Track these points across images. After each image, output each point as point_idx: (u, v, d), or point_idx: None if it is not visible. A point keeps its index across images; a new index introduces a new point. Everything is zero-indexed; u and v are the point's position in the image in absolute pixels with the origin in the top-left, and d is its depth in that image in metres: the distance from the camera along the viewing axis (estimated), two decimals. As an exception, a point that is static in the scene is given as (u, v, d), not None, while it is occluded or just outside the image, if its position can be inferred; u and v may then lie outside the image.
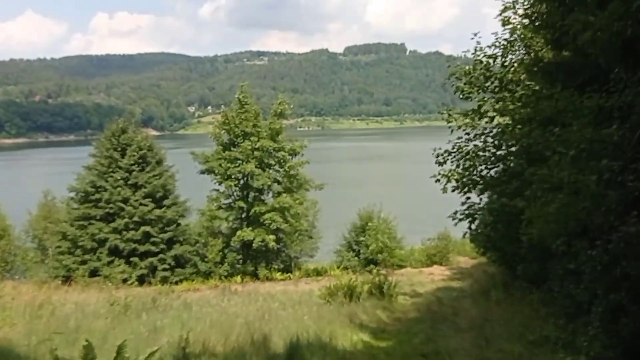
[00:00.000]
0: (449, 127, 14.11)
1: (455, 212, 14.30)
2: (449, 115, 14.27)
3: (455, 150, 14.18)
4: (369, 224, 25.52)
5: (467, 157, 13.90)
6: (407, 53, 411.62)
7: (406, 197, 53.69)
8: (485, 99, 13.70)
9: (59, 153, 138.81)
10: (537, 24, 9.77)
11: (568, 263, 8.35)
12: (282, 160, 25.38)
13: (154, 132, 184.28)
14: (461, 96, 14.19)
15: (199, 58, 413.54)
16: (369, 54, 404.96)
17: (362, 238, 25.67)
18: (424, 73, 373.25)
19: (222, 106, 26.32)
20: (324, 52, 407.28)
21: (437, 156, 14.38)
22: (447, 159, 14.25)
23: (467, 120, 13.85)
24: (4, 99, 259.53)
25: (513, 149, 13.47)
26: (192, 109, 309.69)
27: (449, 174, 13.60)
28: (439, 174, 13.82)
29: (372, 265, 25.01)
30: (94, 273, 23.26)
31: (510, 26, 13.53)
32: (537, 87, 11.73)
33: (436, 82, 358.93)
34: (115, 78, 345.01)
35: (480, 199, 14.35)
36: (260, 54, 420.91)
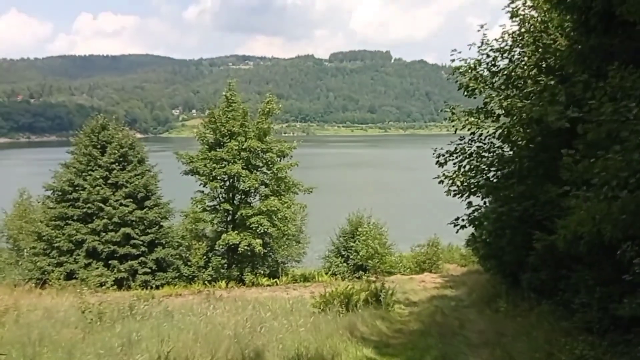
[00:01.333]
0: (453, 127, 13.22)
1: (457, 219, 13.43)
2: (452, 113, 13.39)
3: (458, 151, 13.33)
4: (360, 229, 24.65)
5: (471, 158, 13.06)
6: (392, 61, 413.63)
7: (393, 204, 52.85)
8: (492, 96, 12.85)
9: (39, 153, 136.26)
10: (561, 7, 8.89)
11: (599, 272, 7.47)
12: (270, 162, 24.37)
13: (137, 135, 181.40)
14: (465, 93, 13.33)
15: (184, 61, 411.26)
16: (354, 61, 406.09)
17: (351, 243, 24.79)
18: (409, 81, 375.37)
19: (208, 110, 25.34)
20: (309, 58, 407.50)
21: (438, 157, 13.52)
22: (449, 160, 13.40)
23: (472, 119, 12.98)
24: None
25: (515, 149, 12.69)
26: (176, 112, 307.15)
27: (454, 176, 12.72)
28: (443, 174, 12.92)
29: (361, 272, 24.17)
30: (70, 276, 22.09)
31: (518, 18, 12.78)
32: (551, 81, 10.89)
33: (420, 90, 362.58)
34: (99, 79, 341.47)
35: (485, 203, 13.49)
36: (245, 58, 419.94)
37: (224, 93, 24.80)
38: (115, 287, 21.96)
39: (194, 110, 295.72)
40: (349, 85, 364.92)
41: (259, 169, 24.71)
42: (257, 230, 23.19)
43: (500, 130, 12.82)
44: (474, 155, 13.13)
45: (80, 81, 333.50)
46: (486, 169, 13.03)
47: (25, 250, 24.93)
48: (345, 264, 24.88)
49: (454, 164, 13.13)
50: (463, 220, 13.35)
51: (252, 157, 24.04)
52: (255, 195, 24.93)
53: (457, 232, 13.53)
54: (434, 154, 13.56)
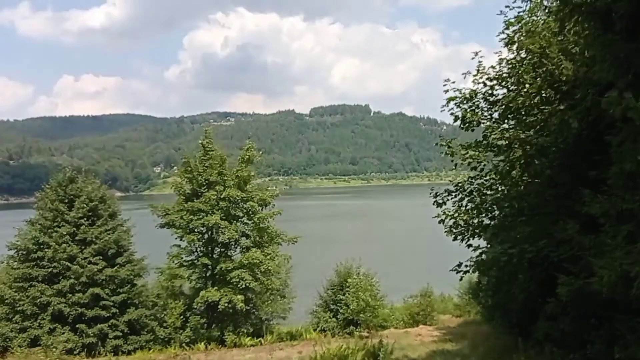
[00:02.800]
0: (452, 161, 12.00)
1: (460, 264, 12.06)
2: (449, 147, 12.21)
3: (457, 190, 12.11)
4: (349, 280, 23.01)
5: (472, 196, 11.81)
6: (372, 114, 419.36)
7: (380, 254, 51.26)
8: (492, 127, 11.74)
9: (16, 215, 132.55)
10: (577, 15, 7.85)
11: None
12: (250, 212, 22.89)
13: (118, 194, 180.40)
14: (462, 126, 12.20)
15: (165, 119, 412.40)
16: (334, 115, 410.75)
17: (341, 296, 23.11)
18: (389, 133, 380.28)
19: (183, 159, 23.99)
20: (290, 113, 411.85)
21: (436, 196, 12.27)
22: (447, 200, 12.15)
23: (472, 153, 11.80)
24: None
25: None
26: (157, 169, 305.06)
27: (456, 214, 11.42)
28: (443, 213, 11.62)
29: (352, 327, 22.45)
30: (34, 342, 20.00)
31: (514, 46, 11.85)
32: (560, 106, 9.81)
33: (400, 142, 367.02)
34: (79, 139, 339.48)
35: (489, 246, 12.17)
36: (227, 114, 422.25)
37: (199, 141, 23.53)
38: (84, 353, 20.02)
39: (175, 167, 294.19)
40: (330, 139, 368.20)
41: (240, 220, 23.21)
42: (239, 286, 21.48)
43: (503, 165, 11.67)
44: (474, 193, 11.91)
45: (60, 142, 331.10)
46: (489, 207, 11.79)
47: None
48: (334, 319, 23.11)
49: (454, 203, 11.87)
50: (467, 265, 11.99)
51: (232, 206, 22.56)
52: (236, 248, 23.32)
53: (460, 279, 12.19)
54: (430, 193, 12.33)
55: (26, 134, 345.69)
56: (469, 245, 12.36)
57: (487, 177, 12.07)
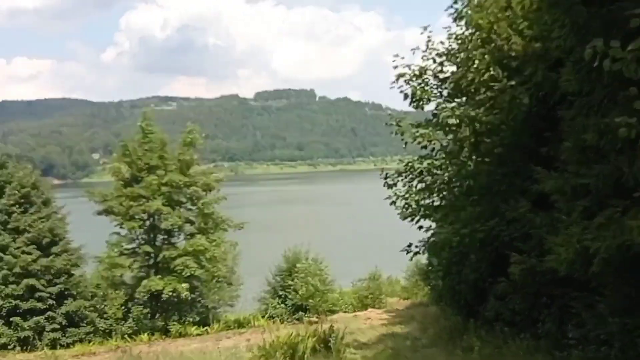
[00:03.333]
0: (402, 140, 11.69)
1: (410, 245, 11.83)
2: (399, 126, 11.89)
3: (407, 170, 11.85)
4: (298, 265, 22.62)
5: (422, 176, 11.58)
6: (317, 99, 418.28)
7: (329, 239, 51.15)
8: (443, 105, 11.49)
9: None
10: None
11: (617, 298, 5.96)
12: (194, 197, 22.11)
13: (56, 181, 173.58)
14: (411, 104, 11.92)
15: (103, 104, 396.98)
16: (279, 100, 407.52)
17: (289, 282, 22.69)
18: (334, 118, 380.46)
19: (120, 143, 22.82)
20: (234, 98, 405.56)
21: (386, 177, 11.98)
22: (398, 180, 11.87)
23: (422, 132, 11.51)
24: None
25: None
26: (96, 156, 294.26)
27: (407, 195, 11.16)
28: (394, 194, 11.33)
29: (301, 313, 22.11)
30: (-35, 339, 18.79)
31: (463, 21, 11.64)
32: (511, 83, 9.61)
33: (346, 127, 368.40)
34: (13, 125, 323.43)
35: (438, 226, 11.98)
36: (168, 99, 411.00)
37: (138, 123, 22.51)
38: (19, 348, 18.92)
39: (114, 154, 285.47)
40: (275, 124, 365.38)
41: (183, 205, 22.40)
42: (183, 274, 20.76)
43: (452, 144, 11.47)
44: (424, 173, 11.68)
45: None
46: (440, 187, 11.59)
47: None
48: (283, 305, 22.69)
49: (404, 184, 11.61)
50: (417, 246, 11.78)
51: (175, 192, 21.72)
52: (180, 235, 22.54)
53: (410, 259, 11.95)
54: (380, 174, 12.03)
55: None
56: (420, 227, 12.17)
57: (437, 157, 11.87)
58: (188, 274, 20.76)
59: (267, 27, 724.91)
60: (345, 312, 24.21)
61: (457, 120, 10.74)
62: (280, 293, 23.01)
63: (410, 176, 11.60)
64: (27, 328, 19.21)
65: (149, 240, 22.04)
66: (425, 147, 11.61)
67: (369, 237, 57.52)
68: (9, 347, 18.74)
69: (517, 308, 9.90)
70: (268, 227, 62.02)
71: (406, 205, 11.49)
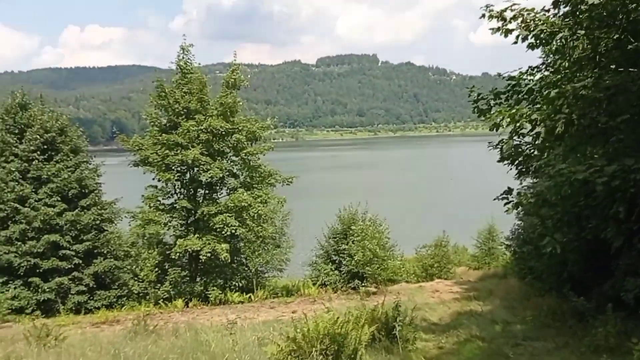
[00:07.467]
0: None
1: (509, 190, 8.42)
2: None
3: (508, 89, 8.39)
4: (353, 227, 19.52)
5: (532, 96, 8.06)
6: (379, 64, 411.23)
7: (389, 206, 47.83)
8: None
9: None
10: None
11: None
12: (238, 146, 19.22)
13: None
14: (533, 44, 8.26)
15: (172, 71, 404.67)
16: (341, 65, 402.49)
17: (344, 246, 19.66)
18: (397, 84, 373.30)
19: (155, 82, 20.35)
20: (296, 64, 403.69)
21: (476, 100, 8.58)
22: (495, 104, 8.46)
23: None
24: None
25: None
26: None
27: (517, 124, 7.67)
28: (499, 135, 7.96)
29: (357, 281, 19.11)
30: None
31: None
32: None
33: (408, 92, 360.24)
34: (85, 91, 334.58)
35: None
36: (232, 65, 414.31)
37: (175, 62, 19.75)
38: (39, 312, 16.85)
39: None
40: (336, 90, 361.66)
41: (226, 156, 19.63)
42: (223, 233, 18.08)
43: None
44: (535, 92, 8.17)
45: (66, 93, 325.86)
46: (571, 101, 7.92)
47: None
48: (337, 272, 19.74)
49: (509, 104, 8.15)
50: (518, 195, 8.37)
51: (215, 140, 18.91)
52: (221, 189, 19.85)
53: (507, 211, 8.52)
54: (469, 96, 8.63)
55: (31, 85, 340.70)
56: (520, 174, 8.77)
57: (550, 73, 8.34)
58: (228, 232, 18.06)
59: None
60: (407, 282, 21.15)
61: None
62: (334, 258, 20.06)
63: (515, 97, 8.17)
64: (48, 290, 17.14)
65: (188, 194, 19.48)
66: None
67: (434, 204, 53.87)
68: (27, 310, 16.66)
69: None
70: (328, 193, 59.42)
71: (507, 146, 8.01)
